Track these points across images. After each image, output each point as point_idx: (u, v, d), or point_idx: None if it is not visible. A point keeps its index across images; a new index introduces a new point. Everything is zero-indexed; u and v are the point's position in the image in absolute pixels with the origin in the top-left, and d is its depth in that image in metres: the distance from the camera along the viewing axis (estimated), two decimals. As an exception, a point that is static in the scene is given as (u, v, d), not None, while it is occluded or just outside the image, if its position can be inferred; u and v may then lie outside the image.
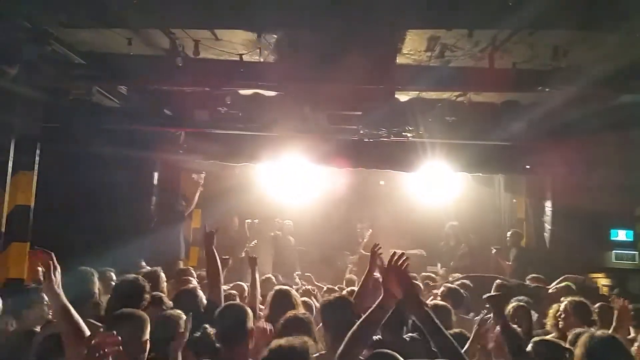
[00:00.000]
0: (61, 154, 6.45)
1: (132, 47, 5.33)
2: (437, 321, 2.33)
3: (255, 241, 6.17)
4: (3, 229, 5.54)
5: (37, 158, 5.93)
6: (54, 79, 5.71)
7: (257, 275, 4.67)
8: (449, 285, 5.25)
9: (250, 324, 2.99)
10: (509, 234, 8.35)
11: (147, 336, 2.58)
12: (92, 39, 5.39)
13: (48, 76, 5.61)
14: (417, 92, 6.27)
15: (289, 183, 9.11)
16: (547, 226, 8.02)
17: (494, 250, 8.25)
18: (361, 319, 2.45)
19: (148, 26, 4.85)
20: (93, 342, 2.13)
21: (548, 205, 8.02)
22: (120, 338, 2.18)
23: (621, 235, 7.46)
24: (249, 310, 3.08)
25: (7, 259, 5.64)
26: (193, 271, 5.76)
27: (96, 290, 3.69)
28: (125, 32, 5.12)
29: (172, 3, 4.57)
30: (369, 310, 2.45)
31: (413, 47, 5.28)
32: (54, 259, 2.56)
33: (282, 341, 2.30)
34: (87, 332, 2.49)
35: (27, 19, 4.70)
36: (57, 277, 2.55)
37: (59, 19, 4.66)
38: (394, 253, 2.58)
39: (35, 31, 4.86)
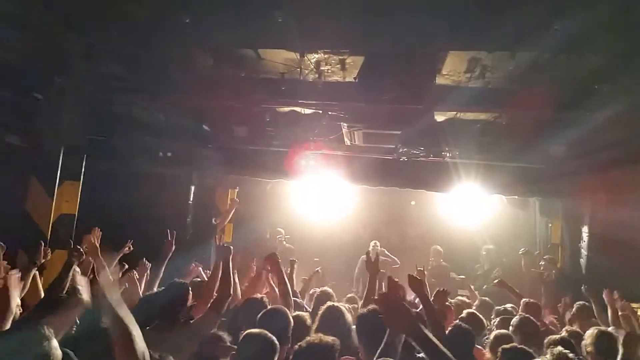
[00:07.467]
0: (100, 168, 6.63)
1: (177, 63, 5.53)
2: (437, 345, 2.12)
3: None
4: (48, 237, 5.74)
5: (83, 169, 6.14)
6: (100, 91, 5.93)
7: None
8: None
9: None
10: (541, 263, 8.15)
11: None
12: (139, 53, 5.59)
13: (94, 88, 5.84)
14: (455, 113, 6.26)
15: (320, 200, 9.17)
16: (584, 252, 7.80)
17: (522, 251, 8.06)
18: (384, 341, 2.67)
19: (196, 45, 5.01)
20: None
21: (585, 230, 7.82)
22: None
23: (659, 264, 7.21)
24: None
25: (50, 265, 5.82)
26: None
27: None
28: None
29: (219, 24, 4.72)
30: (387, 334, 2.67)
31: (453, 68, 5.30)
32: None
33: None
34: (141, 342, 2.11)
35: (80, 32, 4.92)
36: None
37: (111, 35, 4.86)
38: (389, 280, 2.67)
39: (86, 45, 5.10)
